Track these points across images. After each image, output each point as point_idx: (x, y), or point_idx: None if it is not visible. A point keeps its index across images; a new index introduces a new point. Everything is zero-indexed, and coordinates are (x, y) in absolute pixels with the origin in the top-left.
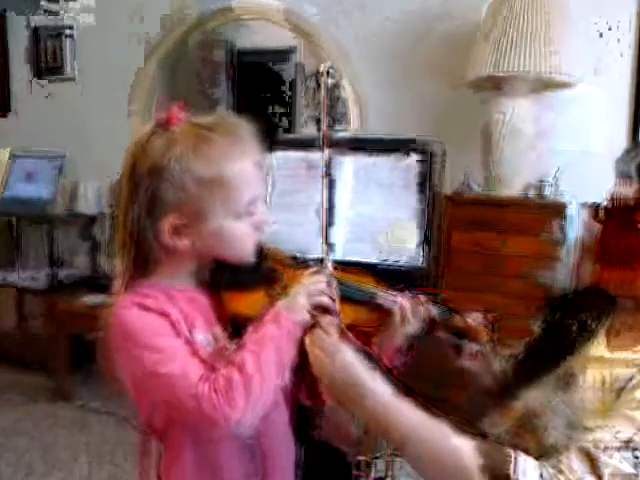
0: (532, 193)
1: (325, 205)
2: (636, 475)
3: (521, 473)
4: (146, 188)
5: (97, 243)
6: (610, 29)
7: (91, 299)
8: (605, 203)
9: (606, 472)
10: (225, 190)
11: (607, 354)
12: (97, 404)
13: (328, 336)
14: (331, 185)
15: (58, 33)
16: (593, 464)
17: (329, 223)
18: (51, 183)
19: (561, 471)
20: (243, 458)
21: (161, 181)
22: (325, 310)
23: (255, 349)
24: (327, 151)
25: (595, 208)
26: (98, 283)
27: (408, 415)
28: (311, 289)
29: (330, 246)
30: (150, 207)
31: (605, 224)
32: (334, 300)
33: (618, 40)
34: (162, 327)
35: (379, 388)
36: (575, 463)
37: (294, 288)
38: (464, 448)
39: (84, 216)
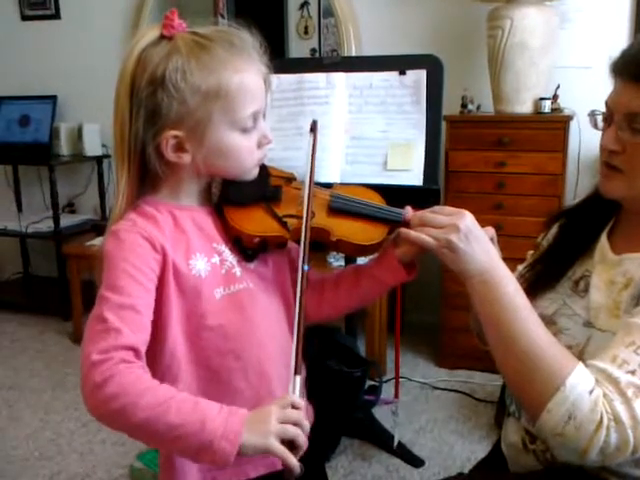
0: (534, 110)
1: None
2: None
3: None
4: (145, 100)
5: (104, 186)
6: None
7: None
8: (604, 110)
9: (629, 391)
10: (226, 102)
11: (613, 256)
12: None
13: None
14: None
15: None
16: (617, 386)
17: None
18: (46, 126)
19: (605, 394)
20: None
21: (161, 92)
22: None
23: (167, 405)
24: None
25: (594, 116)
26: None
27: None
28: (286, 415)
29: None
30: (150, 120)
31: (604, 131)
32: (305, 433)
33: None
34: (134, 265)
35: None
36: (607, 388)
37: (266, 407)
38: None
39: (89, 158)
